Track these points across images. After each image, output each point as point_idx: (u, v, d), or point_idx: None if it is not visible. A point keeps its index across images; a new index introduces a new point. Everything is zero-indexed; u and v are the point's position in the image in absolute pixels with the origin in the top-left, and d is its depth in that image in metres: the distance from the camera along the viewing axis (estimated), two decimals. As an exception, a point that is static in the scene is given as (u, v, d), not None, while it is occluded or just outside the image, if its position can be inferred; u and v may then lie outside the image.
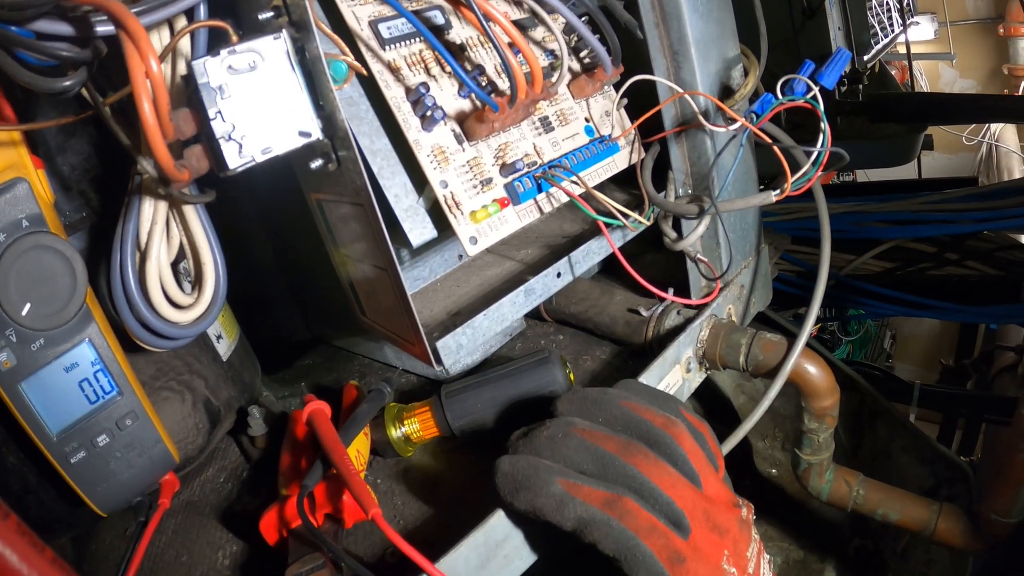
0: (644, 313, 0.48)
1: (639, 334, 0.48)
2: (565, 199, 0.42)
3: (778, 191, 0.40)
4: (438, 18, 0.41)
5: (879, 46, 0.68)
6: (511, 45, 0.40)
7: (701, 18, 0.46)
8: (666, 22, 0.46)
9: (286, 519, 0.41)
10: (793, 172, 0.40)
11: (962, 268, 0.70)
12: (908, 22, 0.75)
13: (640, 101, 0.47)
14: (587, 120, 0.45)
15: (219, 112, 0.32)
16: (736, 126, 0.41)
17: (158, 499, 0.45)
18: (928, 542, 0.50)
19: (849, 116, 0.71)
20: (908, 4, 0.75)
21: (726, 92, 0.48)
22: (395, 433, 0.46)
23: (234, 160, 0.32)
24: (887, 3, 0.70)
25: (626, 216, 0.41)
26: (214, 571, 0.44)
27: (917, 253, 0.72)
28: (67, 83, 0.34)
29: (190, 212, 0.42)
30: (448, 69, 0.40)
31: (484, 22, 0.35)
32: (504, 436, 0.45)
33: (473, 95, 0.40)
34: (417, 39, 0.40)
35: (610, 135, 0.45)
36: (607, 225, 0.42)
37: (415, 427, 0.46)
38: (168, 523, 0.48)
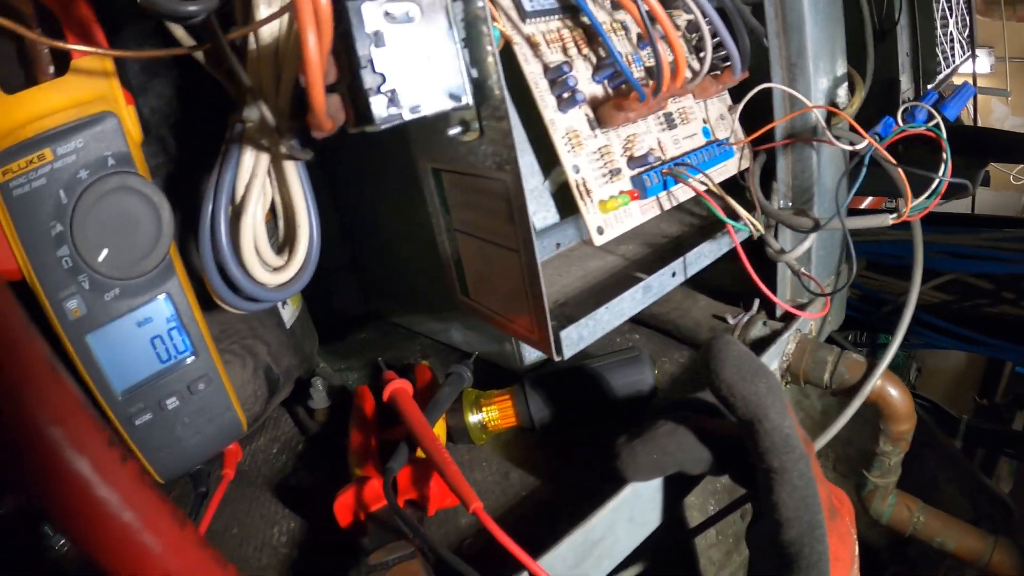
0: (731, 321, 0.48)
1: (722, 342, 0.48)
2: (683, 198, 0.41)
3: (895, 215, 0.40)
4: (576, -3, 0.39)
5: (941, 76, 0.69)
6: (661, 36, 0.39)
7: (821, 32, 0.45)
8: (787, 32, 0.45)
9: (365, 502, 0.39)
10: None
11: (1018, 308, 0.72)
12: (974, 54, 0.77)
13: (746, 107, 0.47)
14: (704, 121, 0.44)
15: (370, 61, 0.29)
16: (863, 145, 0.40)
17: (220, 469, 0.42)
18: (968, 573, 0.51)
19: (908, 144, 0.72)
20: (969, 36, 0.77)
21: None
22: (472, 419, 0.44)
23: (382, 113, 0.30)
24: (951, 33, 0.71)
25: (740, 223, 0.40)
26: (269, 546, 0.42)
27: (974, 288, 0.74)
28: (193, 8, 0.31)
29: (290, 169, 0.40)
30: (583, 51, 0.39)
31: (644, 13, 0.34)
32: (583, 432, 0.45)
33: (606, 82, 0.39)
34: (556, 17, 0.38)
35: (727, 139, 0.44)
36: (712, 226, 0.41)
37: (494, 415, 0.45)
38: (216, 492, 0.46)
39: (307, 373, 0.52)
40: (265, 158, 0.39)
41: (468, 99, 0.32)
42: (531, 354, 0.50)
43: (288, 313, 0.50)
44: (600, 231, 0.36)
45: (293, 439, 0.50)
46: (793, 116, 0.45)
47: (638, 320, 0.53)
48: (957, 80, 0.72)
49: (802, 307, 0.47)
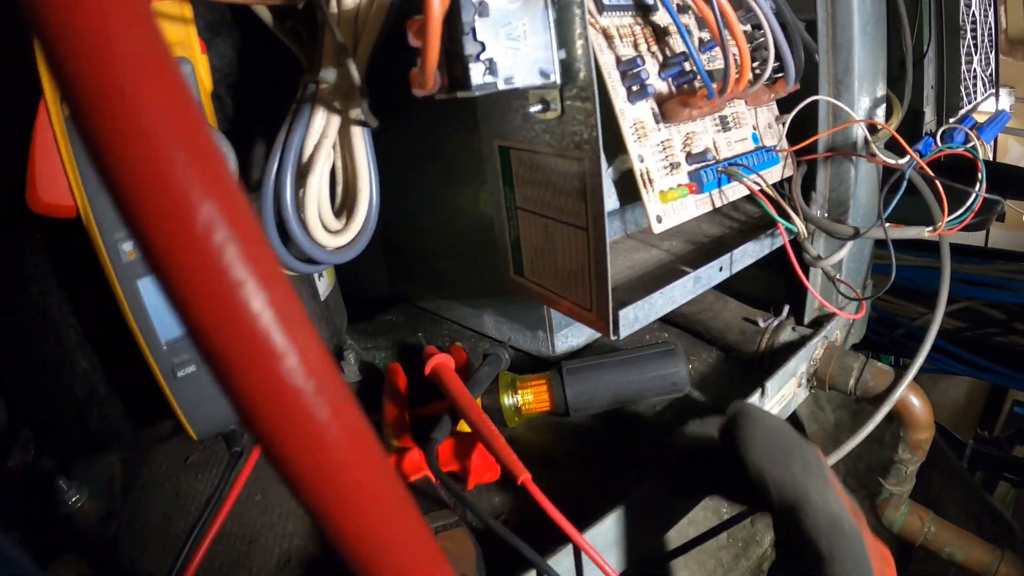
0: (761, 324, 0.49)
1: (752, 344, 0.49)
2: (733, 197, 0.42)
3: (931, 227, 0.42)
4: (648, -2, 0.41)
5: (963, 111, 0.73)
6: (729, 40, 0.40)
7: (867, 53, 0.48)
8: (835, 51, 0.47)
9: (404, 472, 0.39)
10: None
11: (1026, 339, 0.75)
12: (998, 91, 0.81)
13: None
14: (754, 128, 0.46)
15: (473, 29, 0.30)
16: (904, 160, 0.43)
17: (256, 430, 0.42)
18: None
19: (934, 171, 0.74)
20: (992, 74, 0.81)
21: (870, 129, 0.50)
22: (507, 401, 0.45)
23: (479, 80, 0.30)
24: (975, 70, 0.75)
25: (790, 223, 0.42)
26: (295, 514, 0.42)
27: (987, 317, 0.77)
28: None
29: (357, 134, 0.40)
30: (652, 49, 0.40)
31: (718, 17, 0.36)
32: (614, 420, 0.45)
33: (670, 79, 0.40)
34: (629, 13, 0.40)
35: (774, 146, 0.46)
36: (751, 229, 0.43)
37: (528, 398, 0.45)
38: (239, 459, 0.45)
39: (335, 348, 0.51)
40: (336, 120, 0.39)
41: (556, 78, 0.33)
42: (562, 343, 0.51)
43: (323, 285, 0.50)
44: (659, 219, 0.37)
45: (320, 411, 0.49)
46: (836, 130, 0.47)
47: (668, 320, 0.54)
48: (978, 117, 0.76)
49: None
